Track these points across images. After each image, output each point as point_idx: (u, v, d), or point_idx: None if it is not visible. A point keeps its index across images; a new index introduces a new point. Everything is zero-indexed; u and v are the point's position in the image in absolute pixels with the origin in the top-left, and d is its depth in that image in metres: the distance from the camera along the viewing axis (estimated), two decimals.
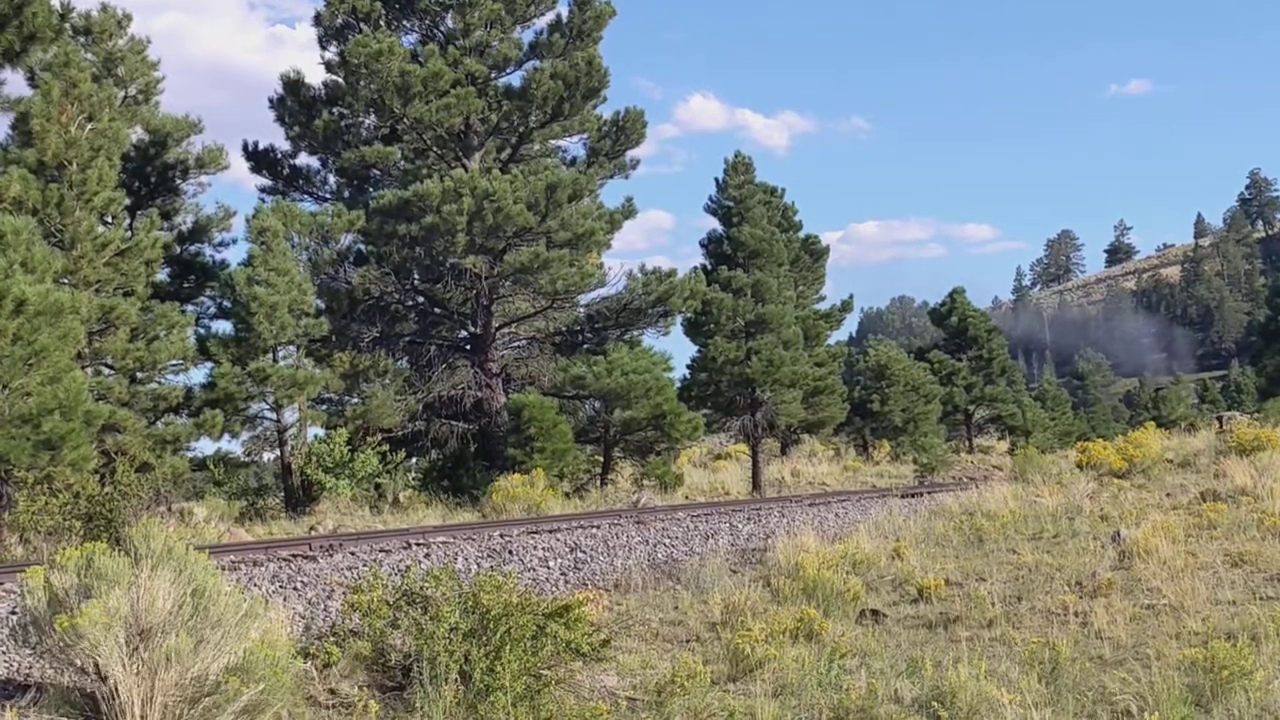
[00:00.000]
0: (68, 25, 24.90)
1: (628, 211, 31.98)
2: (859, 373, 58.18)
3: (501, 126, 30.91)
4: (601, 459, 31.77)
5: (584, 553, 16.10)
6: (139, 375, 23.86)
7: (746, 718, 8.22)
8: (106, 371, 23.37)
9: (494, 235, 27.87)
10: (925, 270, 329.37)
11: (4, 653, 8.49)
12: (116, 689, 6.52)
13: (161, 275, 26.58)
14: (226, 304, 26.46)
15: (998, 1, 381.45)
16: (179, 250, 28.94)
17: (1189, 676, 8.79)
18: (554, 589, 14.27)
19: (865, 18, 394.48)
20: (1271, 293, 74.41)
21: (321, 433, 26.99)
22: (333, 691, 8.48)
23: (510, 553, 15.12)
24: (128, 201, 25.18)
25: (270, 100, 31.30)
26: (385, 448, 26.34)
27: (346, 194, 31.50)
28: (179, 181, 29.39)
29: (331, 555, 13.14)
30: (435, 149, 30.69)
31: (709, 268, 34.66)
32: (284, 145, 32.17)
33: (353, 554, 13.37)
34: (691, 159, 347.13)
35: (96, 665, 6.59)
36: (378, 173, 31.81)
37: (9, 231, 16.30)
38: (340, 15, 30.27)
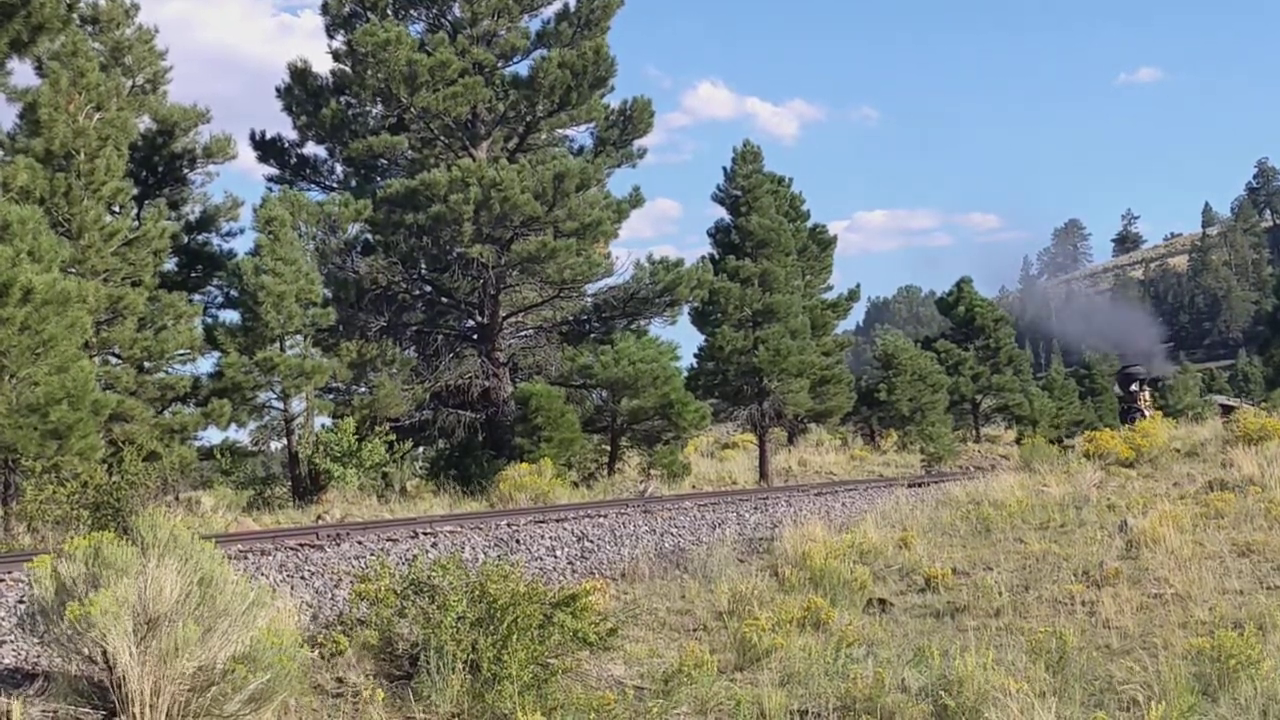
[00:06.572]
0: (75, 15, 24.89)
1: (635, 201, 31.92)
2: (866, 362, 58.14)
3: (509, 116, 30.87)
4: (608, 448, 31.77)
5: (591, 542, 16.11)
6: (146, 365, 23.91)
7: (753, 707, 8.22)
8: (114, 361, 23.42)
9: (501, 225, 27.86)
10: (931, 260, 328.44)
11: (12, 642, 8.51)
12: (124, 677, 6.54)
13: (169, 265, 26.62)
14: (234, 293, 26.49)
15: None
16: (186, 240, 28.97)
17: (1196, 666, 8.79)
18: (561, 578, 14.28)
19: (874, 4, 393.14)
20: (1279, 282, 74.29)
21: (329, 422, 27.03)
22: (340, 680, 8.50)
23: (517, 542, 15.13)
24: (135, 191, 25.23)
25: (277, 89, 31.27)
26: (392, 437, 26.34)
27: (354, 183, 31.46)
28: (186, 171, 29.40)
29: (339, 544, 13.15)
30: (442, 138, 30.67)
31: (716, 257, 34.60)
32: (291, 134, 32.17)
33: (360, 543, 13.38)
34: (700, 148, 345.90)
35: (104, 654, 6.61)
36: (385, 162, 31.78)
37: (16, 221, 16.31)
38: (347, 4, 30.24)
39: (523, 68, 30.93)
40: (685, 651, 9.37)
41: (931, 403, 50.73)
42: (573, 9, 30.95)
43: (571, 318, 32.52)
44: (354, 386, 28.75)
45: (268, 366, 24.37)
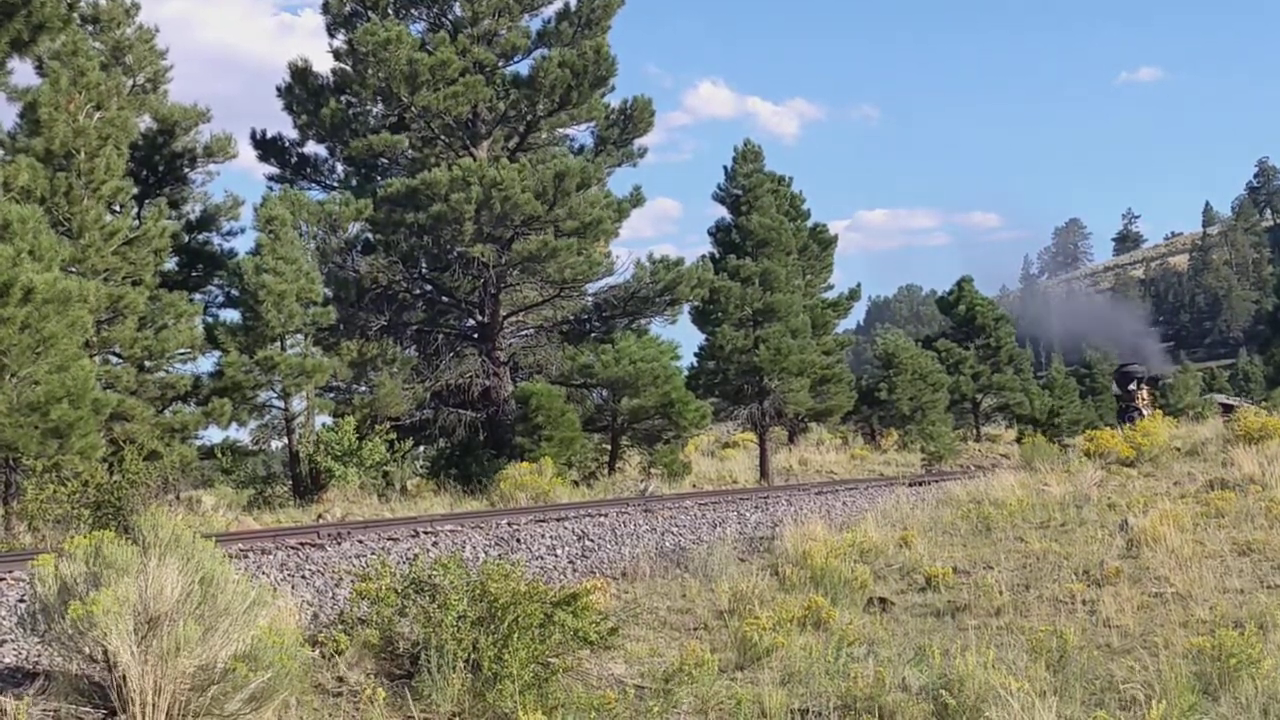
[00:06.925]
0: (76, 14, 24.87)
1: (635, 200, 31.93)
2: (866, 361, 58.16)
3: (509, 115, 30.87)
4: (609, 447, 31.78)
5: (592, 541, 16.11)
6: (147, 364, 23.90)
7: (754, 706, 8.21)
8: (115, 360, 23.41)
9: (502, 224, 27.87)
10: (932, 258, 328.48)
11: (12, 641, 8.51)
12: (125, 677, 6.53)
13: (170, 264, 26.61)
14: (234, 293, 26.50)
15: None
16: (187, 239, 28.97)
17: (1196, 665, 8.78)
18: (562, 577, 14.27)
19: (874, 4, 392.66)
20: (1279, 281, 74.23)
21: (329, 421, 27.04)
22: (341, 679, 8.50)
23: (518, 541, 15.13)
24: (136, 190, 25.19)
25: (278, 89, 31.29)
26: (393, 436, 26.34)
27: (354, 182, 31.48)
28: (187, 170, 29.40)
29: (339, 543, 13.14)
30: (443, 137, 30.67)
31: (717, 256, 34.63)
32: (292, 134, 32.21)
33: (361, 542, 13.38)
34: (700, 147, 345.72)
35: (105, 653, 6.60)
36: (385, 161, 31.80)
37: (16, 220, 16.30)
38: (348, 3, 30.27)
39: (523, 67, 31.02)
40: (686, 650, 9.36)
41: (932, 402, 50.76)
42: (573, 8, 30.97)
43: (572, 317, 32.54)
44: (354, 385, 28.78)
45: (268, 365, 24.38)
